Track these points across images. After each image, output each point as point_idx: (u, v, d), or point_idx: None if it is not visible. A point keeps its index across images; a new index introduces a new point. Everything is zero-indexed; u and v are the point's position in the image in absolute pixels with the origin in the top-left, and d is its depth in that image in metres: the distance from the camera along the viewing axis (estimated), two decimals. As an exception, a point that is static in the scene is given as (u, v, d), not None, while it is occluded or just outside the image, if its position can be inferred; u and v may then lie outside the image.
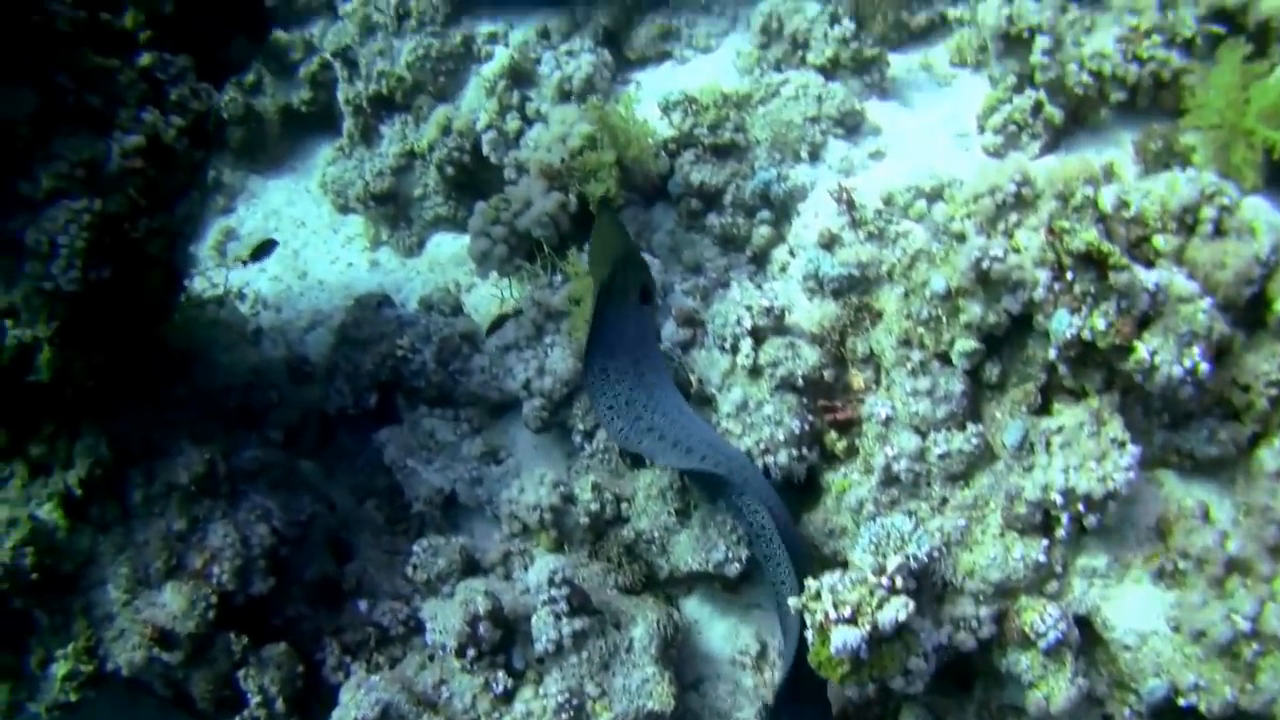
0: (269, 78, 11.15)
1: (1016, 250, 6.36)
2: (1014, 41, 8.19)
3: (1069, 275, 6.08)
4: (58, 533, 6.77)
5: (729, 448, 6.93)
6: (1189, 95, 7.59)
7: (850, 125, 8.33)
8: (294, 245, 10.74)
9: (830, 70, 8.59)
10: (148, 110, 6.37)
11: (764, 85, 8.50)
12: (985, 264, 6.19)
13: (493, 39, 9.72)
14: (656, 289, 7.42)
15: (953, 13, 9.05)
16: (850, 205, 7.69)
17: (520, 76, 9.32)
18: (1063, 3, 8.25)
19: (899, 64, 8.85)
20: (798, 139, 8.25)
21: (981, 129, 8.24)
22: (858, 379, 7.20)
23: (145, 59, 6.52)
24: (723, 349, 7.25)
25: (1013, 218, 6.57)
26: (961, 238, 6.62)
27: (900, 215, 7.75)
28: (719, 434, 7.08)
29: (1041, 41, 7.89)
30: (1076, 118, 8.07)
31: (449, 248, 9.76)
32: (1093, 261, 6.01)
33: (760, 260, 8.15)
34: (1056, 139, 8.09)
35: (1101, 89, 7.89)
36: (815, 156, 8.28)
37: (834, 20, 8.59)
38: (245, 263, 10.56)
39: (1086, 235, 6.00)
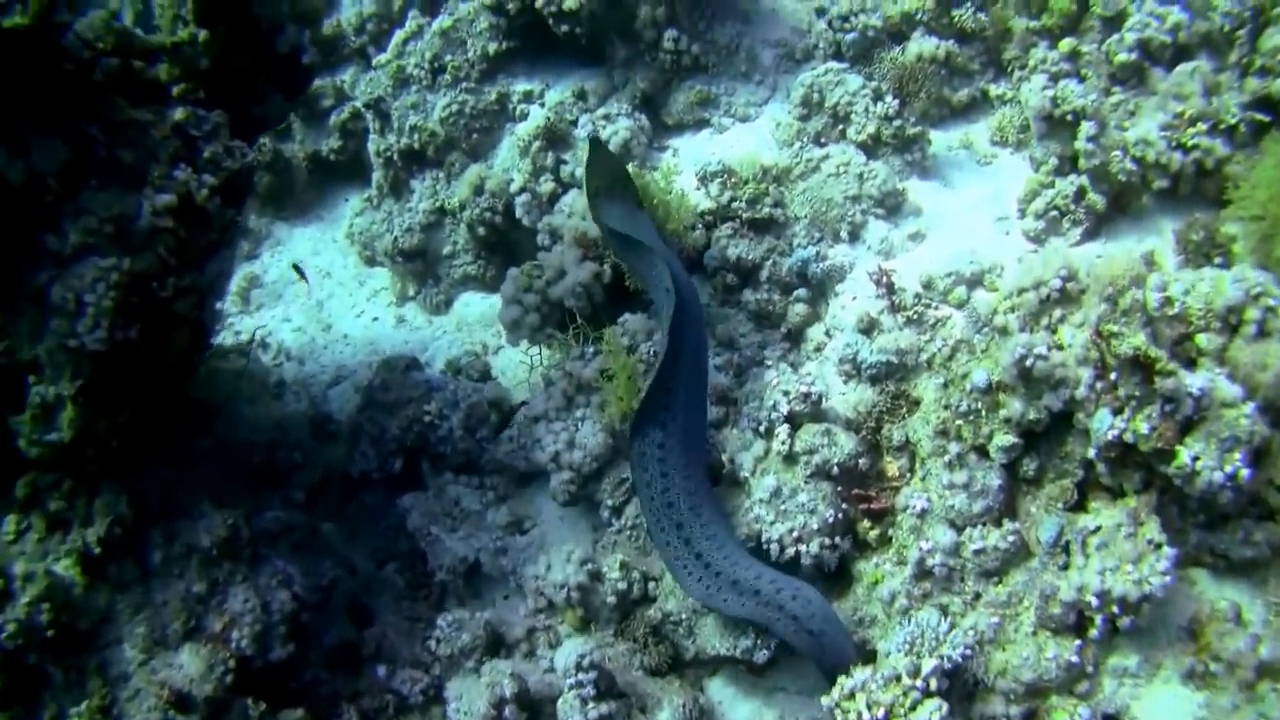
0: (298, 124, 11.31)
1: (1060, 347, 6.50)
2: (1057, 123, 8.33)
3: (1113, 376, 6.19)
4: (75, 589, 6.77)
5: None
6: (1232, 185, 7.74)
7: (891, 206, 8.47)
8: (319, 296, 10.86)
9: (871, 147, 8.74)
10: (180, 168, 6.43)
11: (804, 160, 8.66)
12: (1029, 361, 6.34)
13: (528, 98, 9.84)
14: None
15: (994, 90, 9.22)
16: (890, 289, 7.83)
17: (555, 138, 9.44)
18: (1107, 85, 8.42)
19: (940, 141, 9.00)
20: (838, 218, 8.39)
21: (1022, 213, 8.37)
22: (892, 466, 7.31)
23: (179, 114, 6.61)
24: (757, 432, 7.37)
25: (1056, 313, 6.67)
26: (1004, 331, 6.72)
27: (940, 300, 7.88)
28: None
29: (1087, 127, 8.00)
30: (1118, 204, 8.20)
31: (477, 308, 9.88)
32: (1139, 366, 6.13)
33: (795, 338, 8.24)
34: (1097, 225, 8.21)
35: (1145, 176, 8.01)
36: (855, 236, 8.42)
37: (877, 96, 8.74)
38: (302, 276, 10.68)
39: (1134, 340, 6.12)
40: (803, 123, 9.05)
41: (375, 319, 10.41)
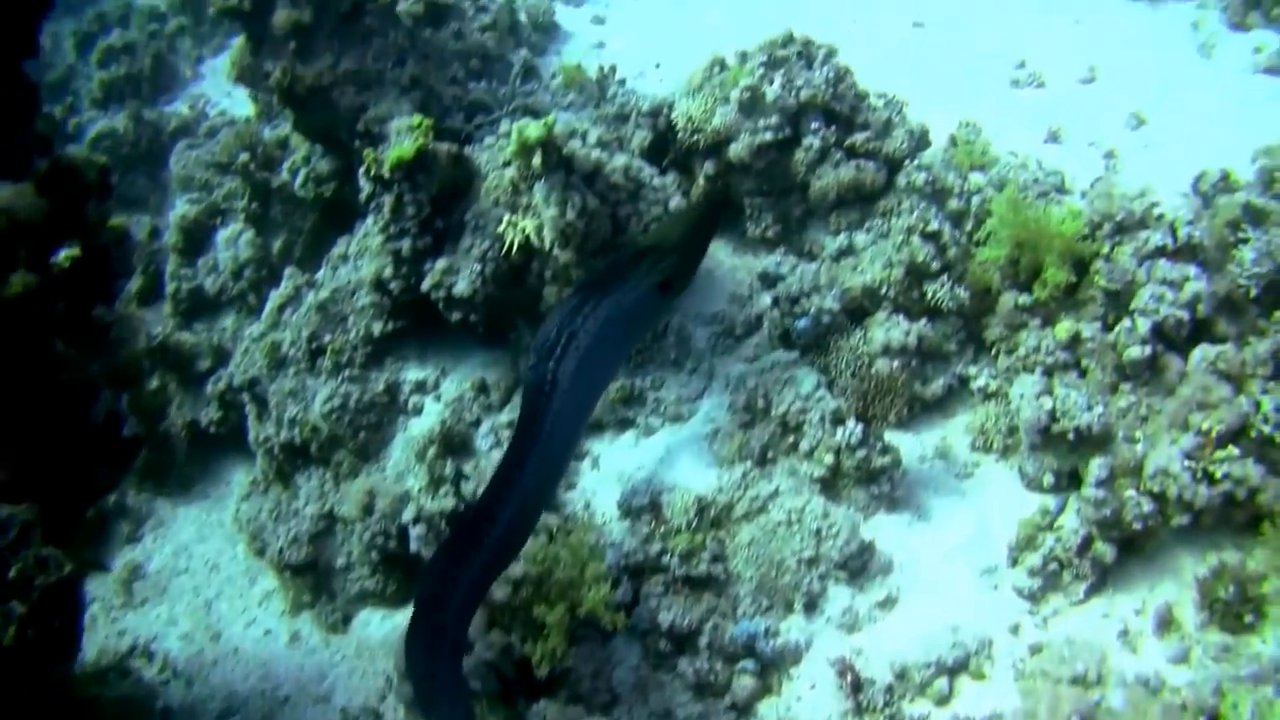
0: (174, 385, 9.84)
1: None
2: (1054, 438, 6.94)
3: None
4: None
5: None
6: (1268, 523, 6.48)
7: (855, 568, 6.97)
8: (206, 594, 9.47)
9: (830, 480, 7.23)
10: (-27, 604, 5.23)
11: (749, 497, 7.22)
12: None
13: (421, 388, 8.40)
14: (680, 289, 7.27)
15: (974, 375, 7.74)
16: (856, 687, 6.45)
17: (454, 444, 8.00)
18: (1114, 380, 7.04)
19: (910, 448, 7.55)
20: (791, 585, 6.94)
21: (1014, 561, 6.94)
22: None
23: (-26, 519, 5.40)
24: None
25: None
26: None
27: (916, 694, 6.50)
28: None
29: (1096, 469, 6.74)
30: (1130, 546, 6.82)
31: (378, 630, 8.47)
32: None
33: (743, 710, 6.79)
34: (1104, 576, 6.83)
35: (1163, 511, 6.69)
36: (812, 607, 6.95)
37: (837, 421, 7.24)
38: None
39: None
40: (745, 431, 7.54)
41: (268, 631, 9.00)
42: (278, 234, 9.81)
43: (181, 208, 10.51)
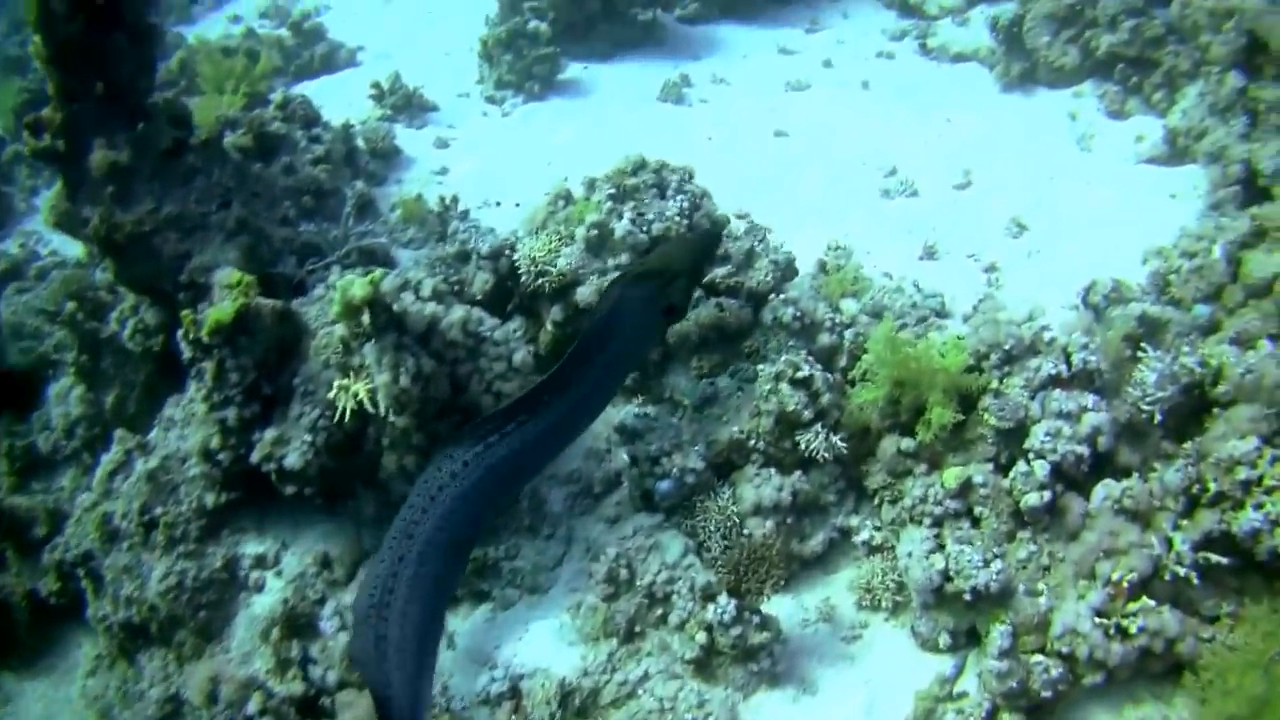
0: (12, 553, 8.78)
1: None
2: (948, 598, 6.16)
3: None
4: None
5: None
6: (1188, 672, 5.81)
7: (735, 757, 6.10)
8: (61, 782, 8.44)
9: (704, 661, 6.37)
10: None
11: (616, 681, 6.37)
12: None
13: (261, 563, 7.39)
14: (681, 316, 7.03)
15: (856, 528, 6.93)
16: None
17: (299, 624, 7.00)
18: (1011, 526, 6.26)
19: (791, 613, 6.71)
20: (666, 779, 6.05)
21: (912, 739, 6.12)
22: None
23: None
24: None
25: None
26: None
27: None
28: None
29: (998, 639, 6.02)
30: (1039, 710, 6.05)
31: (238, 822, 7.46)
32: None
33: None
34: (1012, 744, 6.06)
35: (1074, 672, 5.96)
36: (693, 806, 6.07)
37: (708, 597, 6.35)
38: None
39: None
40: (609, 604, 6.64)
41: (124, 822, 7.98)
42: (110, 388, 8.73)
43: (12, 358, 9.50)
